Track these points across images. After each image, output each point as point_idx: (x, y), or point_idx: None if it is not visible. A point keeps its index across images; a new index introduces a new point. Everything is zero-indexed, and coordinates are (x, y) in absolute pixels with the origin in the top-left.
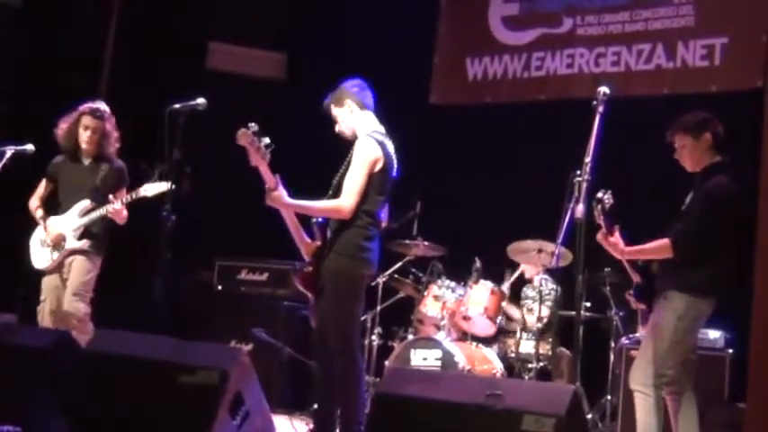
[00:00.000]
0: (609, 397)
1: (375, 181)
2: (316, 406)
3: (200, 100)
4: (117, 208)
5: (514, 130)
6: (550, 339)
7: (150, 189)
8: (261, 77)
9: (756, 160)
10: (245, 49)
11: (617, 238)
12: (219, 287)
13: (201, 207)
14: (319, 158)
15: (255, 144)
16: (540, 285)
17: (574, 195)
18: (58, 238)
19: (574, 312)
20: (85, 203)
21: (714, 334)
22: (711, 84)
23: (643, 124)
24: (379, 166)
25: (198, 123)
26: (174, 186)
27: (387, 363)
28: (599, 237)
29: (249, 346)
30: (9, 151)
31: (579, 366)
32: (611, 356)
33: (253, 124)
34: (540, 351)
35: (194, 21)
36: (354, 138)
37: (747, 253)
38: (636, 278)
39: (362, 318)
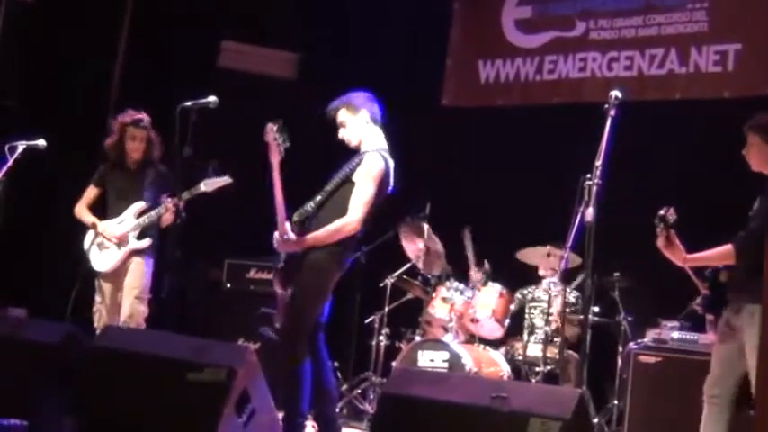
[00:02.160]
0: (616, 402)
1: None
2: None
3: (212, 98)
4: (169, 207)
5: (526, 133)
6: (558, 343)
7: (210, 184)
8: (272, 76)
9: None
10: (256, 48)
11: (678, 244)
12: (228, 285)
13: (211, 205)
14: (329, 157)
15: (278, 141)
16: (549, 289)
17: (584, 199)
18: (124, 237)
19: (582, 316)
20: (140, 205)
21: None
22: (724, 89)
23: (655, 129)
24: (382, 184)
25: (209, 121)
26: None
27: (394, 364)
28: (660, 243)
29: (256, 345)
30: (21, 146)
31: (586, 370)
32: (619, 361)
33: (279, 120)
34: (548, 354)
35: (206, 19)
36: (357, 148)
37: None
38: (703, 289)
39: (370, 318)
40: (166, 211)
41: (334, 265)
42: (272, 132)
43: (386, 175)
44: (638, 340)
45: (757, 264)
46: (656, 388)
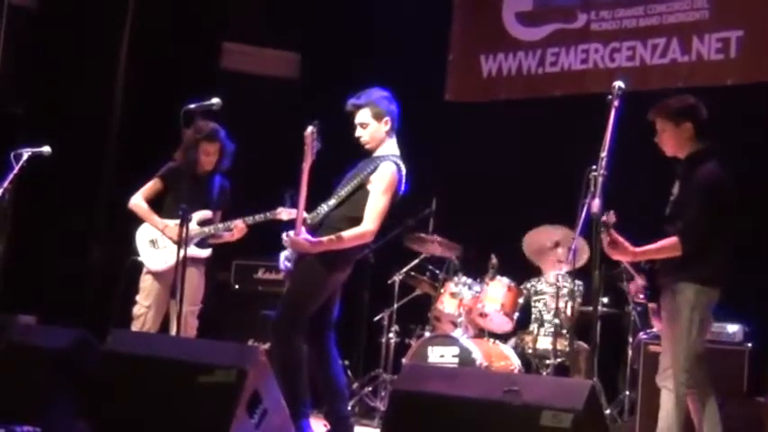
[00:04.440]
0: (627, 392)
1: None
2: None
3: (215, 100)
4: (239, 230)
5: (530, 127)
6: (568, 335)
7: (286, 213)
8: (274, 77)
9: None
10: (258, 49)
11: (622, 242)
12: (237, 286)
13: None
14: (331, 158)
15: (313, 144)
16: (557, 281)
17: (590, 190)
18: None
19: (591, 308)
20: (206, 213)
21: (733, 328)
22: (727, 77)
23: None
24: (396, 192)
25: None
26: None
27: (404, 360)
28: (605, 247)
29: (266, 345)
30: (26, 154)
31: (597, 362)
32: (629, 351)
33: (316, 122)
34: (558, 347)
35: (208, 21)
36: (373, 151)
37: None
38: (641, 280)
39: (379, 316)
40: (236, 233)
41: (333, 265)
42: (311, 134)
43: (399, 182)
44: (648, 330)
45: (700, 248)
46: None
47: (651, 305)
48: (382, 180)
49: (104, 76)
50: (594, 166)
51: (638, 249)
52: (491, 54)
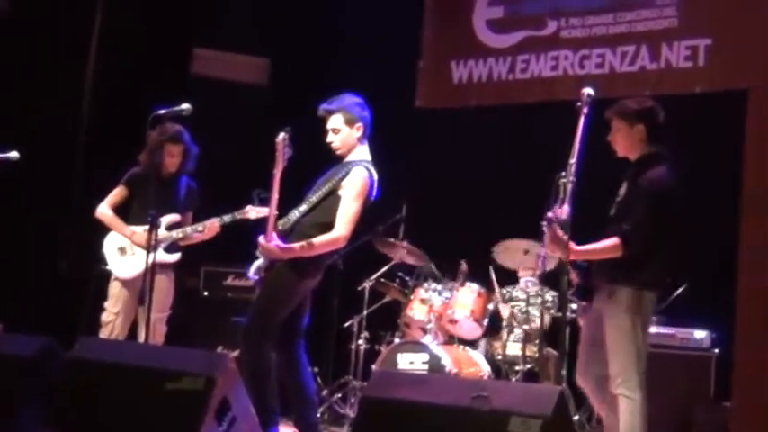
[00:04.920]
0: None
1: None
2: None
3: (185, 105)
4: (211, 229)
5: (500, 133)
6: (537, 341)
7: (254, 212)
8: (244, 83)
9: (739, 160)
10: (228, 55)
11: (563, 239)
12: (206, 293)
13: None
14: (300, 163)
15: (285, 150)
16: (527, 287)
17: (559, 196)
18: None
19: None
20: (173, 217)
21: (700, 334)
22: (695, 85)
23: None
24: (367, 198)
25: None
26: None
27: (373, 367)
28: (547, 242)
29: (235, 352)
30: None
31: (566, 368)
32: None
33: (288, 129)
34: (527, 353)
35: (178, 27)
36: (344, 156)
37: (685, 245)
38: (575, 277)
39: (349, 322)
40: (208, 232)
41: (303, 271)
42: (283, 141)
43: (371, 188)
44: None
45: (642, 251)
46: None
47: (582, 304)
48: (354, 186)
49: (73, 82)
50: (564, 173)
51: (578, 248)
52: (462, 60)
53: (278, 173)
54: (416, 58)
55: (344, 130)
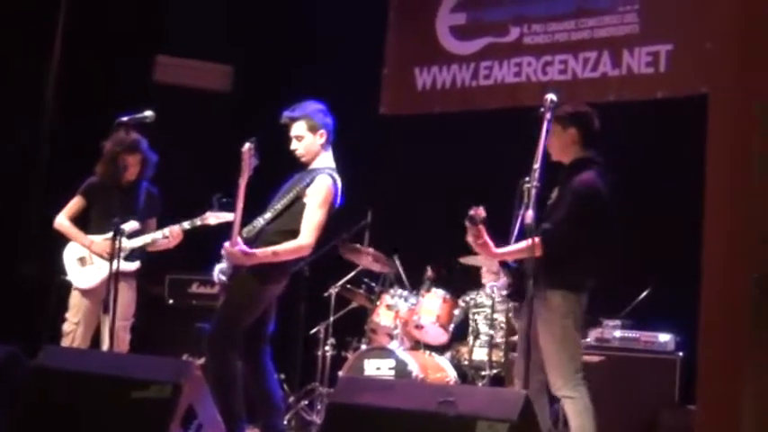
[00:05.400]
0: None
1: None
2: None
3: (148, 113)
4: (175, 236)
5: (464, 139)
6: (503, 346)
7: (214, 218)
8: (208, 90)
9: (701, 165)
10: (192, 62)
11: (487, 239)
12: (171, 301)
13: None
14: (264, 171)
15: (251, 159)
16: (492, 292)
17: (524, 201)
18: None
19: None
20: (133, 225)
21: (664, 337)
22: (657, 90)
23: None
24: (332, 205)
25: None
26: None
27: (340, 373)
28: (469, 239)
29: (201, 360)
30: None
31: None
32: None
33: (254, 138)
34: (493, 358)
35: (141, 34)
36: (308, 163)
37: (614, 248)
38: (506, 278)
39: (315, 329)
40: (170, 239)
41: (268, 278)
42: (249, 150)
43: (335, 195)
44: (581, 340)
45: (561, 255)
46: (601, 387)
47: (514, 304)
48: (318, 193)
49: (35, 89)
50: (528, 178)
51: (498, 251)
52: (425, 67)
53: (243, 182)
54: (380, 66)
55: (308, 137)
